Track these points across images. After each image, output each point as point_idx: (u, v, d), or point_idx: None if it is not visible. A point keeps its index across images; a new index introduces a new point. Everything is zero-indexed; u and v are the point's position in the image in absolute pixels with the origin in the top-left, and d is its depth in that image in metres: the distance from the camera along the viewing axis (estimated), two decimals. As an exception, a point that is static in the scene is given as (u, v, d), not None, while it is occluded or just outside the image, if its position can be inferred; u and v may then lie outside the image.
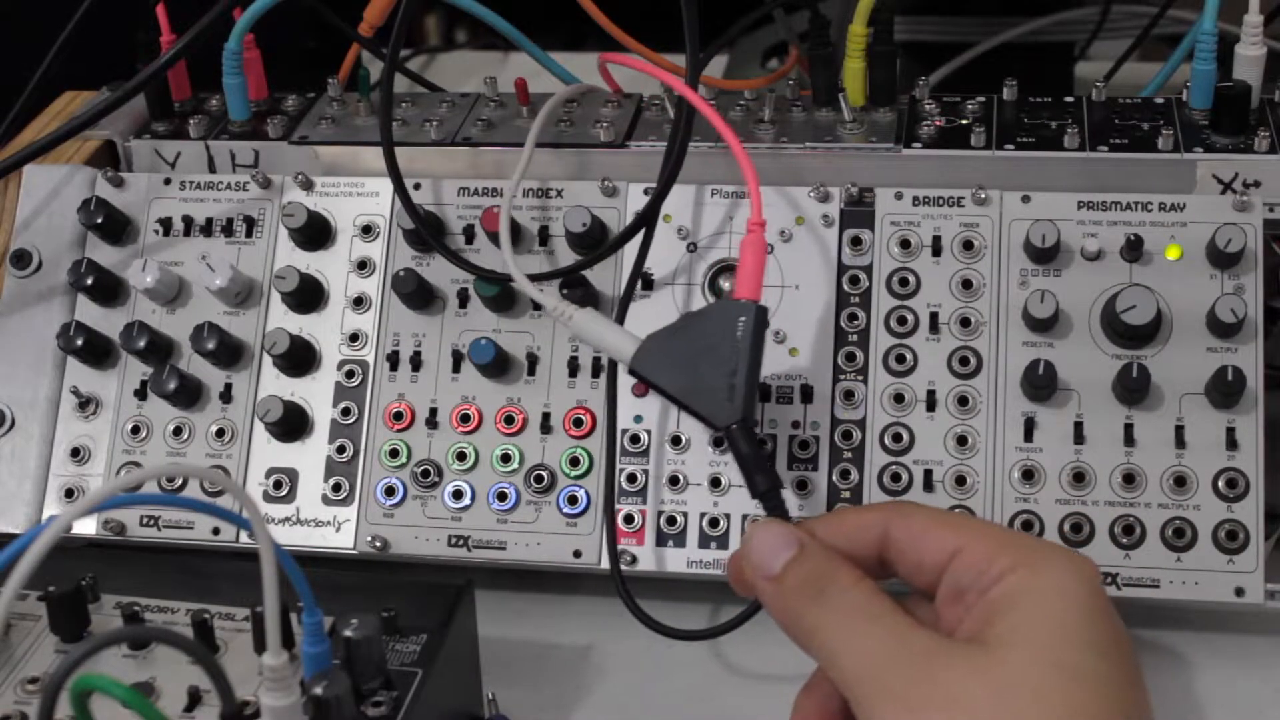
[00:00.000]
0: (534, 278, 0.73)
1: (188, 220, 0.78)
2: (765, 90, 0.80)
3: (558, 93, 0.78)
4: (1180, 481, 0.68)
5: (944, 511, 0.60)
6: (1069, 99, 0.77)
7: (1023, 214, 0.72)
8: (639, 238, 0.72)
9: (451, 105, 0.82)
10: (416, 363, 0.75)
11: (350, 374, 0.75)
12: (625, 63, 0.77)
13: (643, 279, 0.74)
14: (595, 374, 0.73)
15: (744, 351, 0.64)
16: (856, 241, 0.73)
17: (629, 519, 0.72)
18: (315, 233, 0.77)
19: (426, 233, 0.74)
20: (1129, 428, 0.69)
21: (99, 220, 0.77)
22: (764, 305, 0.65)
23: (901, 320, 0.72)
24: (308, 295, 0.76)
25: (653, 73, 0.72)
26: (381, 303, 0.76)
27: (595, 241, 0.74)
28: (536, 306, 0.74)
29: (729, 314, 0.64)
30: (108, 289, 0.77)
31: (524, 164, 0.73)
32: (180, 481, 0.74)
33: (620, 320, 0.72)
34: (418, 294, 0.74)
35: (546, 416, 0.73)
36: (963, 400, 0.70)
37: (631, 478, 0.72)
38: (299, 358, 0.75)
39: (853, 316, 0.72)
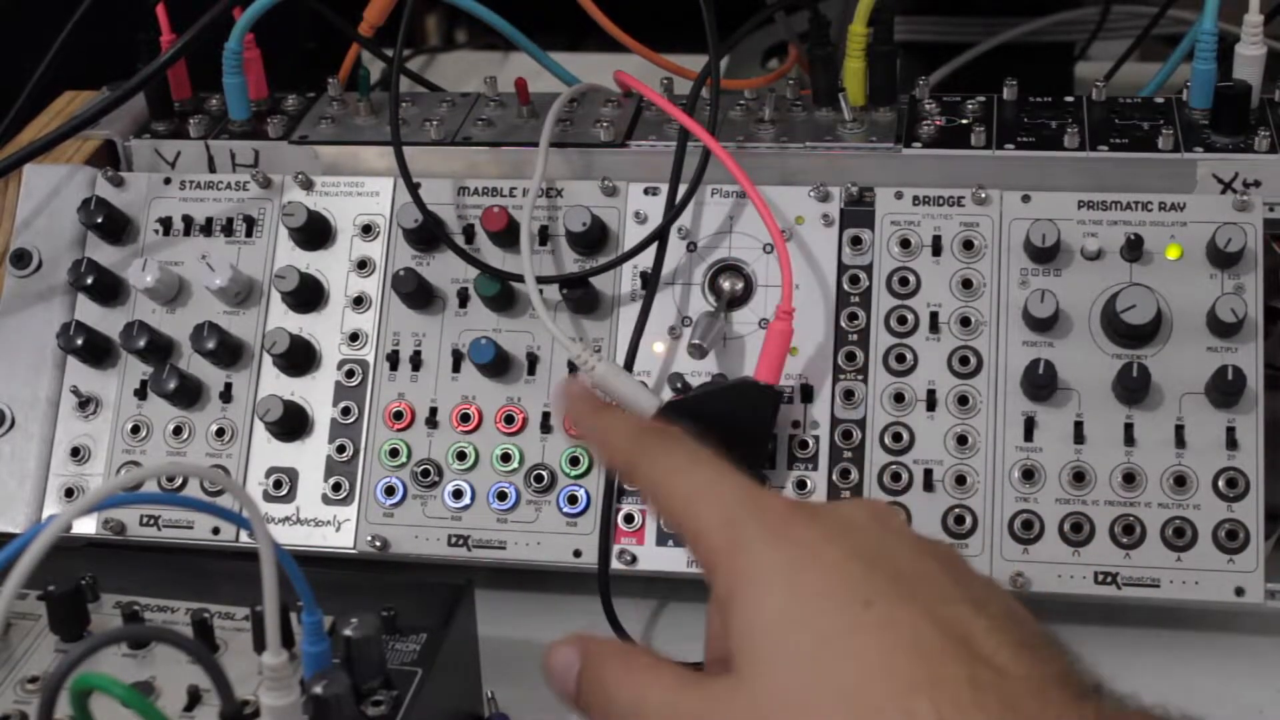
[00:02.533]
0: (538, 281, 0.73)
1: (188, 220, 0.78)
2: (765, 90, 0.80)
3: (564, 92, 0.78)
4: (1180, 481, 0.68)
5: (672, 469, 0.53)
6: (1069, 99, 0.77)
7: (1023, 214, 0.72)
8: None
9: (451, 105, 0.82)
10: (416, 362, 0.75)
11: (350, 373, 0.75)
12: (645, 92, 0.76)
13: (642, 278, 0.74)
14: (595, 374, 0.73)
15: (761, 431, 0.68)
16: (856, 241, 0.73)
17: (629, 519, 0.72)
18: (315, 232, 0.77)
19: (436, 229, 0.74)
20: (1129, 427, 0.69)
21: (99, 220, 0.77)
22: (783, 390, 0.69)
23: (901, 320, 0.72)
24: (308, 295, 0.76)
25: (675, 114, 0.73)
26: (381, 302, 0.76)
27: (595, 241, 0.74)
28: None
29: (750, 397, 0.68)
30: (108, 289, 0.77)
31: (540, 167, 0.74)
32: (180, 481, 0.74)
33: (632, 355, 0.72)
34: (418, 294, 0.74)
35: (546, 416, 0.73)
36: (963, 400, 0.70)
37: (631, 477, 0.72)
38: (299, 357, 0.75)
39: (853, 316, 0.72)
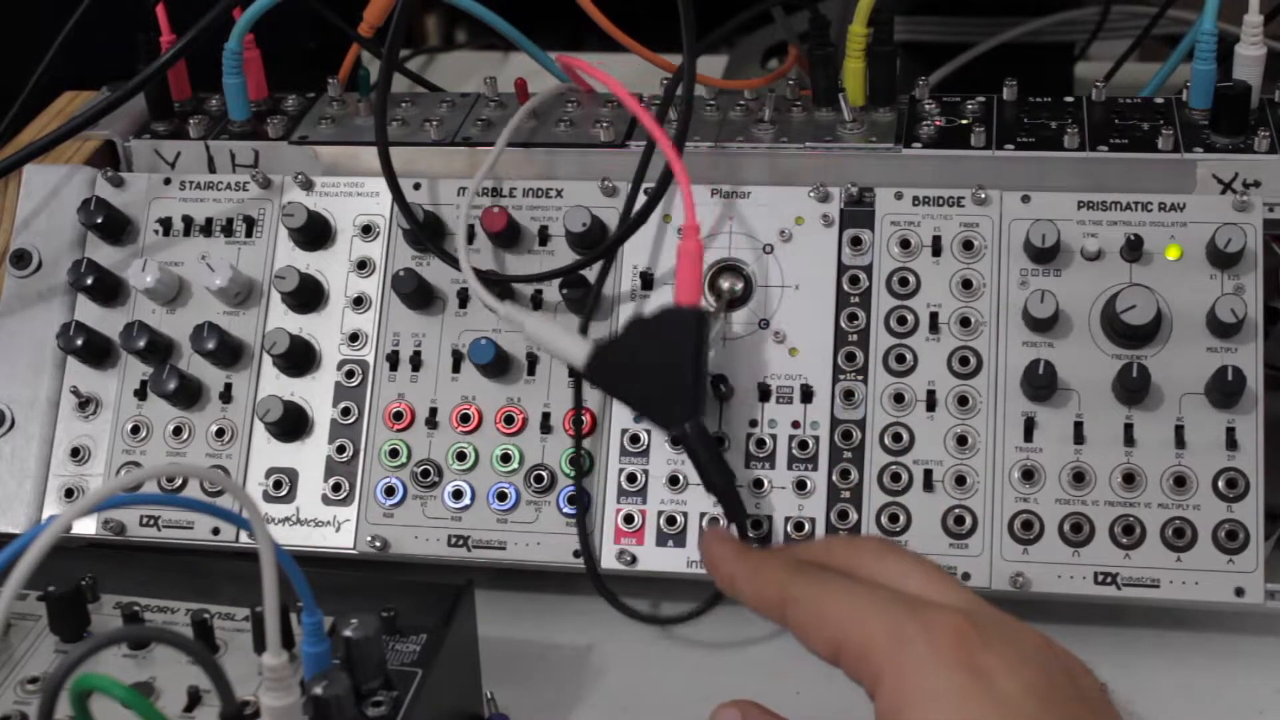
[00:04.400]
0: (532, 278, 0.73)
1: (188, 220, 0.78)
2: (765, 90, 0.80)
3: (534, 96, 0.79)
4: (1180, 481, 0.68)
5: (830, 591, 0.54)
6: (1069, 99, 0.77)
7: (1023, 214, 0.72)
8: (639, 236, 0.73)
9: (451, 105, 0.82)
10: (416, 363, 0.75)
11: (350, 374, 0.75)
12: (580, 66, 0.77)
13: (642, 278, 0.74)
14: (595, 374, 0.73)
15: (691, 356, 0.66)
16: (856, 241, 0.73)
17: (629, 519, 0.72)
18: (315, 233, 0.77)
19: (421, 233, 0.74)
20: (1129, 428, 0.69)
21: (99, 220, 0.77)
22: (704, 310, 0.68)
23: (901, 320, 0.72)
24: (308, 295, 0.76)
25: (610, 85, 0.72)
26: (381, 303, 0.76)
27: (595, 241, 0.74)
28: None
29: (673, 321, 0.67)
30: (108, 289, 0.77)
31: (487, 166, 0.74)
32: (180, 481, 0.74)
33: (585, 330, 0.72)
34: (418, 294, 0.74)
35: (546, 416, 0.73)
36: (963, 400, 0.70)
37: (631, 478, 0.72)
38: (299, 358, 0.75)
39: (853, 316, 0.72)
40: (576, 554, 0.72)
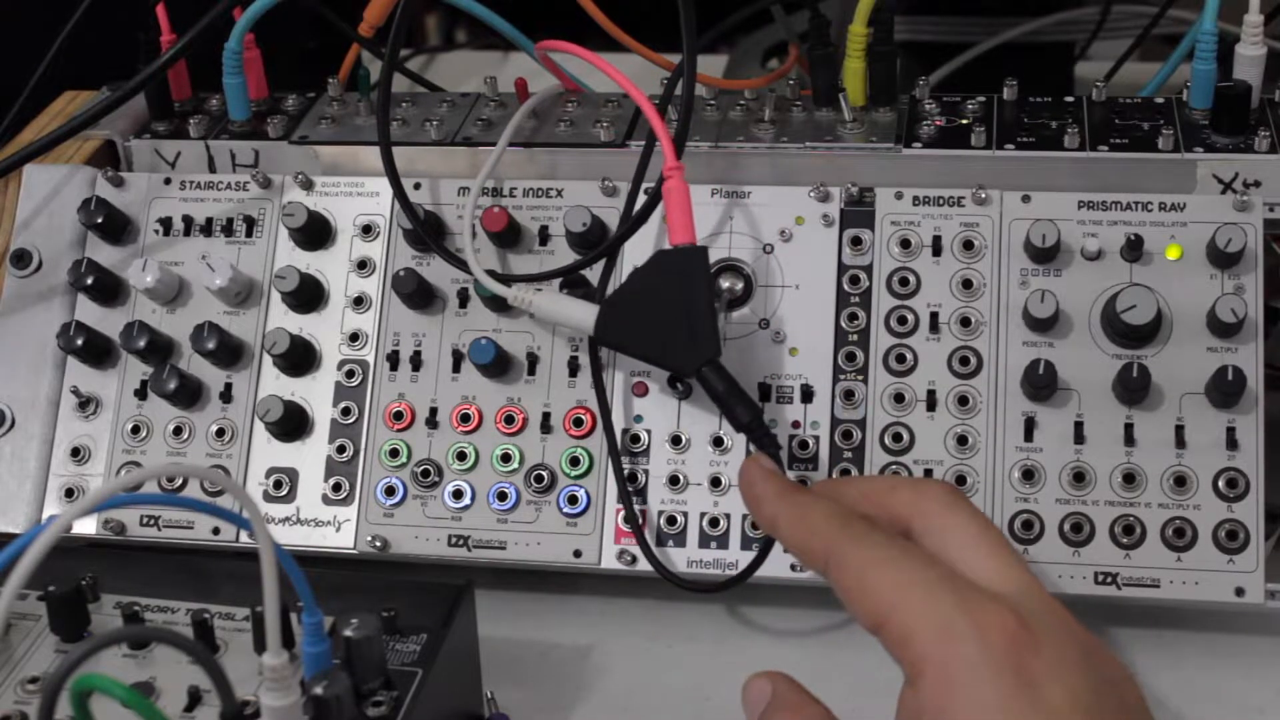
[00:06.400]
0: (535, 278, 0.73)
1: (188, 220, 0.78)
2: (765, 90, 0.80)
3: (534, 96, 0.79)
4: (1180, 481, 0.68)
5: (878, 560, 0.52)
6: (1069, 99, 0.77)
7: (1023, 214, 0.72)
8: (640, 235, 0.73)
9: (451, 105, 0.82)
10: (416, 362, 0.75)
11: (350, 374, 0.75)
12: (563, 48, 0.77)
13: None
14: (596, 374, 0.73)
15: (697, 295, 0.66)
16: (856, 241, 0.73)
17: (629, 519, 0.72)
18: (315, 232, 0.77)
19: (423, 231, 0.74)
20: (1129, 427, 0.69)
21: (99, 220, 0.77)
22: (703, 246, 0.68)
23: (902, 320, 0.72)
24: (308, 295, 0.76)
25: (599, 64, 0.72)
26: (381, 302, 0.76)
27: (595, 241, 0.74)
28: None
29: (673, 263, 0.67)
30: (108, 289, 0.77)
31: (489, 167, 0.74)
32: (180, 481, 0.74)
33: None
34: (418, 294, 0.74)
35: (546, 416, 0.73)
36: (963, 400, 0.70)
37: (632, 477, 0.72)
38: (299, 357, 0.75)
39: (853, 316, 0.72)
40: (577, 554, 0.72)
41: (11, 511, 0.75)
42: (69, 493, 0.76)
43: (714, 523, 0.71)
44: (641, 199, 0.73)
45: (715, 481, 0.71)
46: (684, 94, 0.71)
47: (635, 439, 0.72)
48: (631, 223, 0.72)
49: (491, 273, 0.72)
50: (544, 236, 0.75)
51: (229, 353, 0.75)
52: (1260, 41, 0.73)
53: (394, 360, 0.75)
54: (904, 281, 0.72)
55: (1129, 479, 0.68)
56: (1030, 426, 0.69)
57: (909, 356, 0.71)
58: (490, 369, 0.73)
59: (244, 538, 0.74)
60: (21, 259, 0.79)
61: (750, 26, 1.12)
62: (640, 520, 0.71)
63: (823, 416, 0.71)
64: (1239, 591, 0.67)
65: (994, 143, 0.74)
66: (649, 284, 0.68)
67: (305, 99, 0.84)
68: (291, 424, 0.74)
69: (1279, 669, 0.69)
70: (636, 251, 0.73)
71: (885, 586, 0.51)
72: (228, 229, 0.78)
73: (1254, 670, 0.69)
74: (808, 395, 0.72)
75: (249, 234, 0.78)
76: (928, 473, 0.70)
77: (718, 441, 0.72)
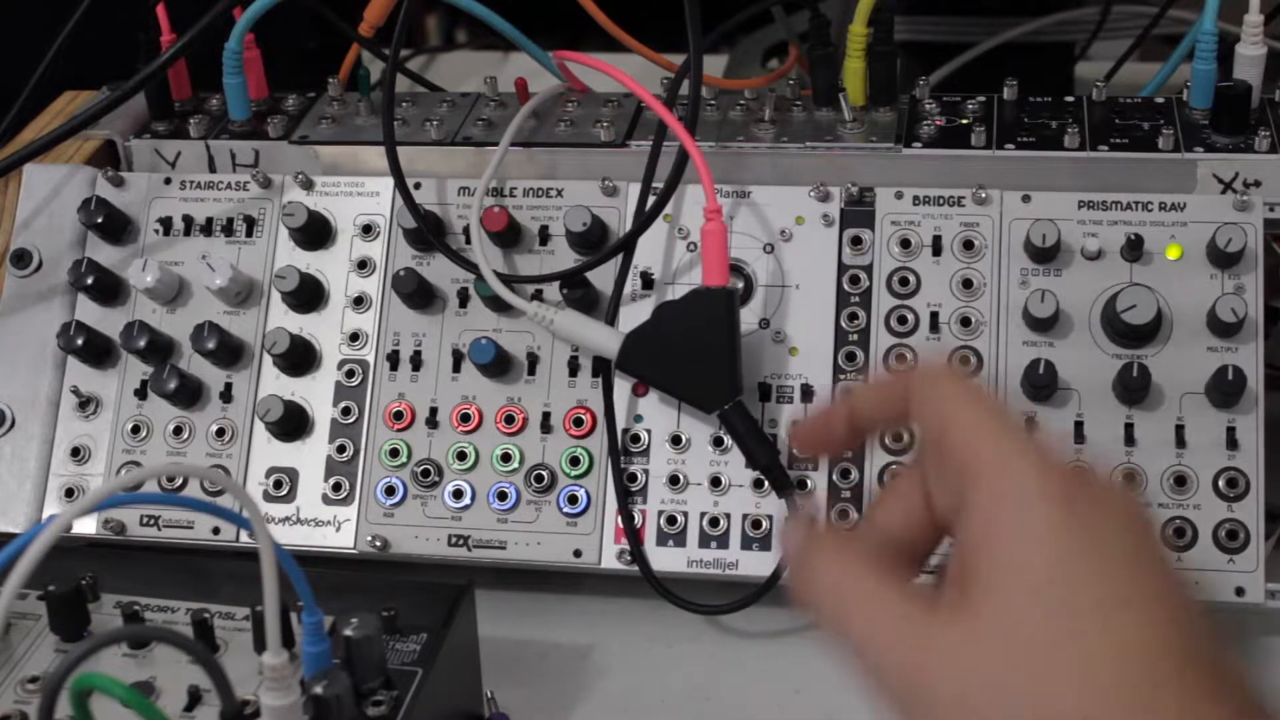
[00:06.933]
0: (542, 279, 0.73)
1: (188, 220, 0.78)
2: (765, 90, 0.80)
3: (535, 96, 0.79)
4: (1180, 481, 0.68)
5: (961, 387, 0.52)
6: (1069, 99, 0.77)
7: (1023, 214, 0.72)
8: (644, 238, 0.73)
9: (451, 105, 0.82)
10: (417, 362, 0.75)
11: (350, 373, 0.75)
12: (577, 59, 0.77)
13: (642, 278, 0.74)
14: (595, 373, 0.73)
15: (724, 338, 0.68)
16: (857, 241, 0.73)
17: (630, 520, 0.71)
18: (315, 232, 0.77)
19: (428, 231, 0.74)
20: (1129, 427, 0.69)
21: (99, 220, 0.77)
22: (734, 289, 0.69)
23: (902, 320, 0.72)
24: (308, 295, 0.76)
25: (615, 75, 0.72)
26: (382, 302, 0.76)
27: (595, 241, 0.74)
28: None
29: (704, 303, 0.69)
30: (108, 289, 0.77)
31: (493, 167, 0.74)
32: (180, 481, 0.74)
33: (612, 323, 0.72)
34: (418, 294, 0.74)
35: (547, 416, 0.73)
36: (963, 400, 0.70)
37: (631, 477, 0.72)
38: (299, 357, 0.75)
39: (853, 316, 0.72)
40: (577, 554, 0.72)
41: (11, 511, 0.75)
42: (69, 492, 0.76)
43: (714, 522, 0.71)
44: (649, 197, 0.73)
45: (715, 481, 0.71)
46: (690, 95, 0.71)
47: (635, 439, 0.72)
48: (643, 220, 0.72)
49: (505, 277, 0.72)
50: (544, 236, 0.75)
51: (229, 352, 0.75)
52: (1260, 41, 0.73)
53: (394, 360, 0.75)
54: (904, 281, 0.72)
55: (1129, 479, 0.68)
56: (1030, 426, 0.69)
57: (909, 356, 0.71)
58: (490, 369, 0.73)
59: (244, 537, 0.74)
60: (21, 259, 0.79)
61: (750, 26, 1.12)
62: (639, 533, 0.71)
63: (823, 416, 0.71)
64: (1239, 591, 0.67)
65: (994, 143, 0.74)
66: (679, 319, 0.69)
67: (305, 99, 0.84)
68: (291, 424, 0.74)
69: (1279, 669, 0.69)
70: (637, 252, 0.73)
71: (952, 399, 0.50)
72: (228, 229, 0.78)
73: (1254, 670, 0.69)
74: (808, 395, 0.72)
75: (249, 234, 0.78)
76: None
77: (718, 441, 0.72)
